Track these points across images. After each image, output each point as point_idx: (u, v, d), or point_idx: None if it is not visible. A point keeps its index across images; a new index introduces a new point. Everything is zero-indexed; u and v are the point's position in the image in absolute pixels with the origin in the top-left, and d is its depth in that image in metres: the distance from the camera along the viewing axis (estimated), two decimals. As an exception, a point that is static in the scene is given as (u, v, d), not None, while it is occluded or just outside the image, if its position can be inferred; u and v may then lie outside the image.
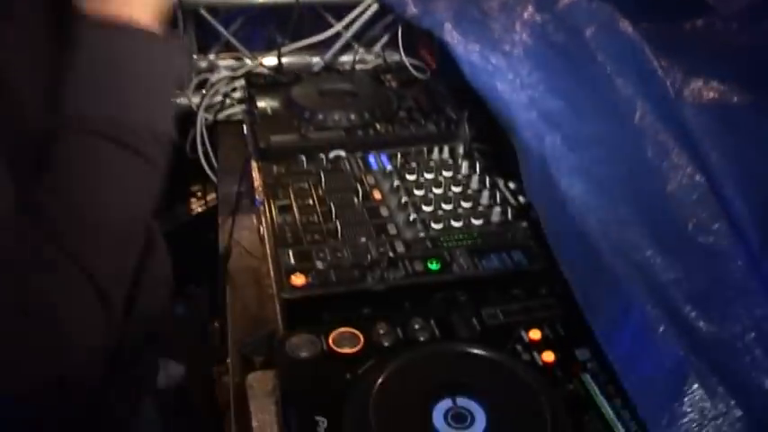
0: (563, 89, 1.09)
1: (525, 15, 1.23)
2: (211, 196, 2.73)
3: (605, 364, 1.03)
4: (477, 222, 1.31)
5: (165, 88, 0.91)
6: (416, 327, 1.10)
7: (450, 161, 1.50)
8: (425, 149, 1.53)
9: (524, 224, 1.30)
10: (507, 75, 1.17)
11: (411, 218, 1.31)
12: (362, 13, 1.94)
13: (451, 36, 1.30)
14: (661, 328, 0.76)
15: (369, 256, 1.22)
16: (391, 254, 1.23)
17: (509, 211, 1.33)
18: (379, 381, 0.97)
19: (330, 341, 1.06)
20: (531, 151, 1.07)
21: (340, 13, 2.00)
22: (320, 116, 1.64)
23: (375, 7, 1.93)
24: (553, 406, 0.95)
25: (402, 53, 1.93)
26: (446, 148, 1.52)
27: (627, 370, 0.81)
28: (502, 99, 1.16)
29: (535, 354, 1.06)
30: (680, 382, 0.75)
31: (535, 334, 1.09)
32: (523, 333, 1.10)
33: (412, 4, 1.56)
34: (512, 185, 1.42)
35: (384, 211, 1.34)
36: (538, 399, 0.96)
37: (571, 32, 1.12)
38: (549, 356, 1.06)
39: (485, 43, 1.24)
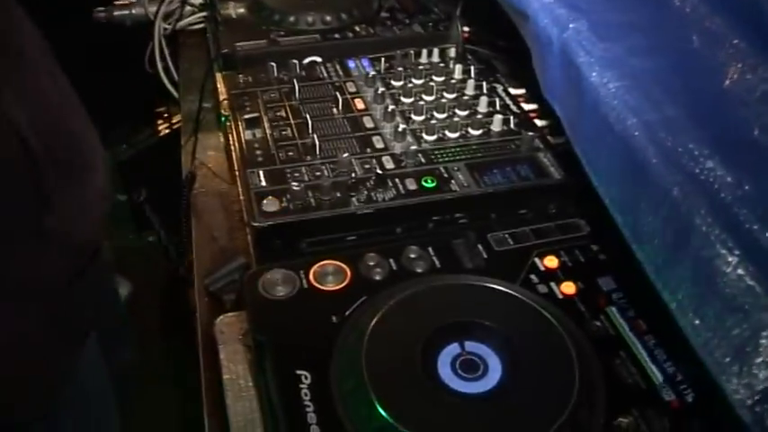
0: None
1: None
2: (178, 117, 2.54)
3: (633, 295, 0.88)
4: (475, 133, 1.14)
5: None
6: (412, 256, 0.93)
7: (442, 65, 1.31)
8: (412, 52, 1.33)
9: (530, 133, 1.12)
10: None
11: (400, 128, 1.12)
12: None
13: None
14: (730, 258, 0.60)
15: (353, 175, 1.04)
16: (379, 171, 1.05)
17: (512, 119, 1.16)
18: (372, 324, 0.81)
19: (311, 276, 0.89)
20: (551, 42, 0.88)
21: None
22: (291, 18, 1.44)
23: None
24: (579, 348, 0.80)
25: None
26: (435, 51, 1.33)
27: (687, 309, 0.65)
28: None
29: (553, 285, 0.90)
30: (754, 322, 0.59)
31: (551, 261, 0.93)
32: (537, 260, 0.93)
33: None
34: (513, 91, 1.24)
35: (368, 123, 1.16)
36: (562, 341, 0.80)
37: None
38: (568, 288, 0.90)
39: None
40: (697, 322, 0.63)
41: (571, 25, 0.84)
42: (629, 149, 0.70)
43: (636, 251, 0.74)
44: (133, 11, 1.82)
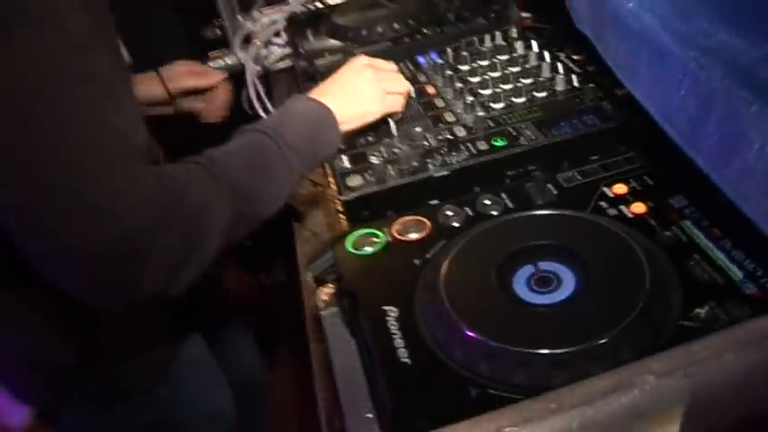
0: None
1: None
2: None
3: (707, 209, 0.91)
4: (540, 95, 1.20)
5: (325, 148, 1.05)
6: (486, 202, 0.99)
7: (504, 44, 1.38)
8: (476, 39, 1.41)
9: (592, 86, 1.18)
10: None
11: (469, 101, 1.20)
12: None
13: None
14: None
15: (427, 144, 1.12)
16: (450, 137, 1.12)
17: (573, 78, 1.21)
18: (449, 258, 0.87)
19: (394, 231, 0.97)
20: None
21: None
22: (364, 32, 1.55)
23: None
24: (649, 253, 0.84)
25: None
26: (498, 34, 1.41)
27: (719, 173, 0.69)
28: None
29: (622, 208, 0.94)
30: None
31: (620, 188, 0.97)
32: (606, 189, 0.98)
33: None
34: (574, 57, 1.30)
35: (439, 102, 1.24)
36: (631, 249, 0.84)
37: None
38: (638, 208, 0.94)
39: None
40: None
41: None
42: (648, 42, 0.75)
43: (666, 130, 0.78)
44: (228, 61, 1.98)
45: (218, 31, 2.09)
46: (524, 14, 1.46)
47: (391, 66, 1.23)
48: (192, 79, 1.36)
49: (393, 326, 0.82)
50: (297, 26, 1.76)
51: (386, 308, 0.85)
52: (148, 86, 1.40)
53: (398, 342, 0.80)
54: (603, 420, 0.60)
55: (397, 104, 1.17)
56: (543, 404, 0.61)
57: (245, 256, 2.52)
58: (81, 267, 0.78)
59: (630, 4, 0.78)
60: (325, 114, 1.06)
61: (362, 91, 1.13)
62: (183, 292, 0.87)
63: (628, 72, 0.86)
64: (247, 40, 1.99)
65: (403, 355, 0.79)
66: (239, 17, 2.04)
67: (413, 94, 1.27)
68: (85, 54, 0.77)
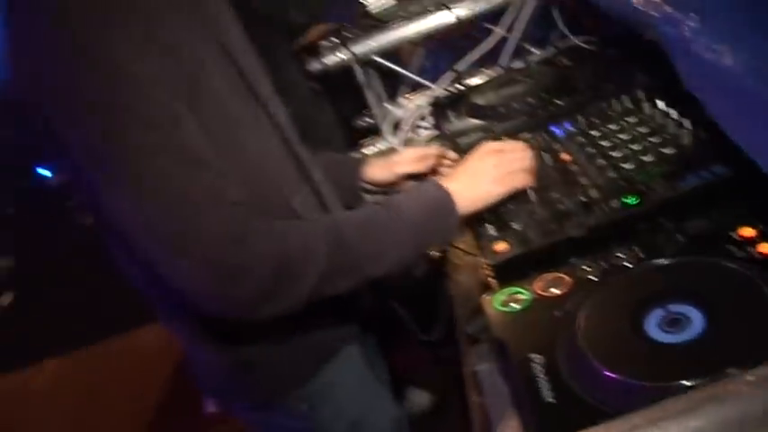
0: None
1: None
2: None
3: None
4: (668, 151, 1.28)
5: (441, 227, 1.22)
6: (620, 255, 1.09)
7: (632, 107, 1.47)
8: (605, 105, 1.51)
9: (720, 138, 1.24)
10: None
11: (601, 164, 1.30)
12: (518, 12, 1.98)
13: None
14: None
15: (564, 207, 1.23)
16: (585, 199, 1.23)
17: (701, 131, 1.29)
18: (587, 308, 0.98)
19: (538, 288, 1.08)
20: (674, 41, 1.03)
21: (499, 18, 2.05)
22: (501, 110, 1.69)
23: (531, 2, 1.96)
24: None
25: (567, 32, 1.93)
26: (625, 99, 1.50)
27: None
28: (633, 8, 1.15)
29: (750, 249, 1.01)
30: None
31: (747, 231, 1.04)
32: (733, 233, 1.05)
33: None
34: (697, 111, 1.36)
35: (573, 167, 1.35)
36: (759, 289, 0.91)
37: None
38: (766, 248, 1.00)
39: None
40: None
41: (684, 24, 0.99)
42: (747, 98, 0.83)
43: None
44: (380, 146, 2.17)
45: (369, 120, 2.29)
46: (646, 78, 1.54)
47: (517, 145, 1.34)
48: (420, 164, 1.52)
49: (539, 371, 0.93)
50: (440, 109, 1.92)
51: (532, 355, 0.96)
52: (374, 171, 1.55)
53: (544, 384, 0.91)
54: None
55: (520, 182, 1.28)
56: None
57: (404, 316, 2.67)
58: (195, 290, 1.04)
59: (730, 66, 0.87)
60: (445, 197, 1.21)
61: (484, 175, 1.26)
62: (276, 315, 1.08)
63: (736, 131, 0.94)
64: (396, 125, 2.17)
65: (548, 395, 0.89)
66: (387, 105, 2.24)
67: (548, 161, 1.38)
68: (178, 127, 1.01)
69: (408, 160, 1.53)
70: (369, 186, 1.54)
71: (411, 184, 1.53)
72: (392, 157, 1.56)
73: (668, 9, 1.05)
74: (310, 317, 1.17)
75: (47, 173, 5.97)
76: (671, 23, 1.03)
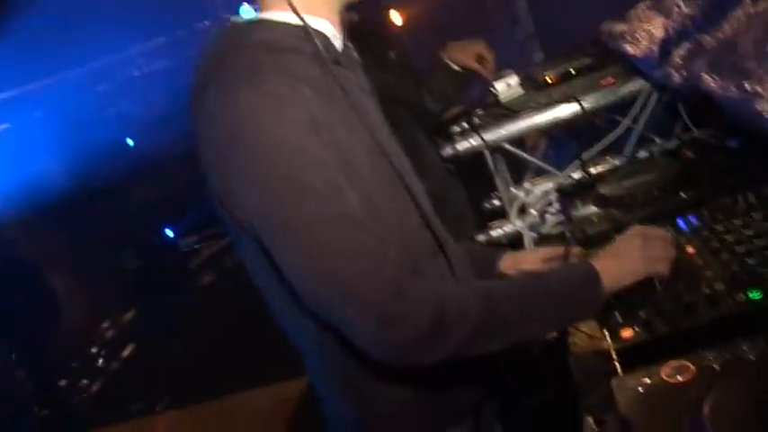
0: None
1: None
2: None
3: None
4: (793, 245, 1.34)
5: (586, 299, 1.32)
6: (745, 348, 1.16)
7: (757, 203, 1.54)
8: (730, 200, 1.58)
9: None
10: (763, 95, 1.24)
11: (724, 258, 1.38)
12: (645, 104, 2.07)
13: (709, 83, 1.40)
14: None
15: (688, 299, 1.30)
16: (709, 292, 1.30)
17: (824, 231, 1.35)
18: (712, 397, 1.05)
19: (663, 374, 1.16)
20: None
21: (629, 109, 2.14)
22: (627, 200, 1.78)
23: (655, 96, 2.05)
24: None
25: (691, 126, 2.01)
26: (751, 194, 1.57)
27: None
28: (762, 119, 1.24)
29: None
30: None
31: None
32: None
33: (675, 74, 1.68)
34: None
35: (698, 261, 1.42)
36: None
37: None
38: None
39: (740, 77, 1.32)
40: None
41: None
42: None
43: None
44: (506, 230, 2.28)
45: (496, 203, 2.41)
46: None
47: (662, 234, 1.42)
48: (546, 264, 1.64)
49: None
50: (566, 196, 2.02)
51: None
52: (502, 264, 1.68)
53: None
54: None
55: (660, 268, 1.36)
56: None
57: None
58: (362, 336, 1.18)
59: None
60: (593, 275, 1.30)
61: (631, 255, 1.35)
62: (428, 364, 1.20)
63: None
64: (522, 209, 2.28)
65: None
66: (513, 189, 2.35)
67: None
68: (343, 197, 1.19)
69: (536, 260, 1.64)
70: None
71: None
72: (520, 254, 1.68)
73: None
74: (439, 380, 1.29)
75: (171, 233, 6.35)
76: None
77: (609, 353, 1.36)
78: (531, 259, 1.65)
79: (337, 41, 1.37)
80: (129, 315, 6.20)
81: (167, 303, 5.72)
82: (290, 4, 1.26)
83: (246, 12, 1.41)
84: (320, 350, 1.36)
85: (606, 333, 1.36)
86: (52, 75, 5.55)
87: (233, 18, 1.38)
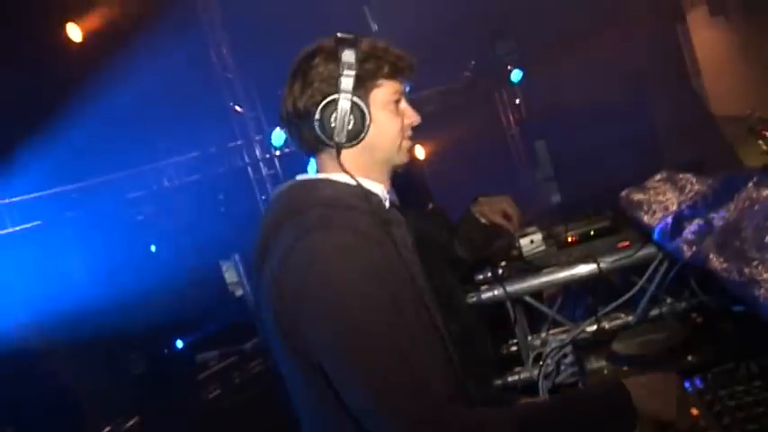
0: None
1: (772, 231, 1.48)
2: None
3: None
4: (785, 417, 1.47)
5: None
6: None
7: (758, 371, 1.67)
8: (733, 366, 1.72)
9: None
10: (760, 282, 1.41)
11: (726, 422, 1.50)
12: (658, 268, 2.24)
13: (714, 264, 1.57)
14: None
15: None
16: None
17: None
18: None
19: None
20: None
21: (642, 270, 2.31)
22: (638, 360, 1.92)
23: (668, 260, 2.22)
24: None
25: (699, 293, 2.17)
26: (753, 363, 1.70)
27: None
28: (758, 303, 1.40)
29: None
30: None
31: None
32: None
33: (686, 249, 1.85)
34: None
35: (702, 423, 1.55)
36: None
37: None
38: None
39: (741, 262, 1.49)
40: None
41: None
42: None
43: None
44: (522, 376, 2.41)
45: (514, 349, 2.55)
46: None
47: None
48: None
49: None
50: (581, 350, 2.16)
51: None
52: None
53: None
54: None
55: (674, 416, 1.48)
56: None
57: None
58: None
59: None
60: (626, 399, 1.43)
61: (667, 394, 1.48)
62: None
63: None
64: (538, 358, 2.42)
65: None
66: (531, 339, 2.50)
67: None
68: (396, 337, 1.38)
69: None
70: None
71: None
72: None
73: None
74: None
75: (181, 344, 6.43)
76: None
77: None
78: None
79: (386, 201, 1.58)
80: (132, 422, 6.20)
81: (173, 412, 5.75)
82: (345, 170, 1.47)
83: (311, 168, 1.62)
84: None
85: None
86: (87, 178, 5.81)
87: (299, 176, 1.59)
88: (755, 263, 1.46)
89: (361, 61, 1.52)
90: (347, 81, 1.50)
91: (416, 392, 1.34)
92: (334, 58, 1.51)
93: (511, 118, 8.27)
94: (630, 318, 2.36)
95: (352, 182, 1.51)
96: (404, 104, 1.62)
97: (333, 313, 1.38)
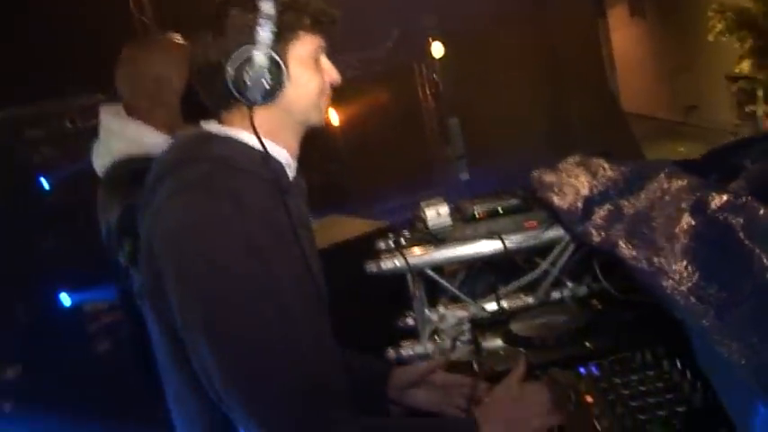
0: (716, 274, 1.27)
1: (683, 222, 1.45)
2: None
3: None
4: (680, 409, 1.45)
5: None
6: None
7: (652, 361, 1.65)
8: (629, 355, 1.70)
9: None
10: (669, 273, 1.38)
11: (619, 411, 1.47)
12: (563, 251, 2.21)
13: (624, 251, 1.54)
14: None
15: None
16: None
17: (710, 395, 1.46)
18: None
19: None
20: (695, 329, 1.24)
21: (548, 252, 2.27)
22: (536, 342, 1.88)
23: (573, 246, 2.19)
24: None
25: (602, 280, 2.14)
26: (648, 353, 1.69)
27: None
28: (666, 294, 1.37)
29: None
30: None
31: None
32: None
33: (595, 234, 1.82)
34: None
35: (595, 411, 1.51)
36: None
37: (721, 228, 1.32)
38: None
39: (651, 251, 1.46)
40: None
41: (706, 317, 1.20)
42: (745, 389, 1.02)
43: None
44: (416, 350, 2.35)
45: (410, 323, 2.49)
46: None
47: (537, 389, 1.51)
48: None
49: None
50: (478, 328, 2.11)
51: None
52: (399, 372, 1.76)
53: None
54: None
55: (541, 427, 1.46)
56: None
57: None
58: None
59: (735, 359, 1.07)
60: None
61: (510, 420, 1.46)
62: None
63: (731, 408, 1.13)
64: (434, 333, 2.36)
65: None
66: (428, 313, 2.44)
67: (573, 400, 1.55)
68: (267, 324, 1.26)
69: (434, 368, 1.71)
70: (393, 395, 1.73)
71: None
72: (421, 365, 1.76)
73: (694, 302, 1.27)
74: None
75: (67, 298, 6.19)
76: (694, 314, 1.24)
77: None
78: (413, 373, 1.73)
79: (290, 171, 1.45)
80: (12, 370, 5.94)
81: (56, 363, 5.54)
82: (254, 130, 1.34)
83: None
84: None
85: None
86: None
87: (204, 123, 1.46)
88: (665, 253, 1.43)
89: (280, 12, 1.39)
90: (265, 32, 1.37)
91: (290, 396, 1.23)
92: (252, 7, 1.39)
93: (428, 92, 8.22)
94: (531, 299, 2.33)
95: (256, 143, 1.38)
96: (325, 61, 1.51)
97: (194, 292, 1.26)
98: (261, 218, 1.30)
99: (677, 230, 1.43)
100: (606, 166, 2.07)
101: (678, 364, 1.61)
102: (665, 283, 1.37)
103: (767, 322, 1.09)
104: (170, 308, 1.28)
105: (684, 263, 1.35)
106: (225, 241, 1.24)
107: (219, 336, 1.22)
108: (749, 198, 1.33)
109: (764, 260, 1.18)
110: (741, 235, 1.25)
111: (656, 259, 1.43)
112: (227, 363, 1.22)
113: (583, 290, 2.30)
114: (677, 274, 1.36)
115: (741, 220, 1.28)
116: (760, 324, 1.10)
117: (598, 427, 1.45)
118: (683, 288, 1.31)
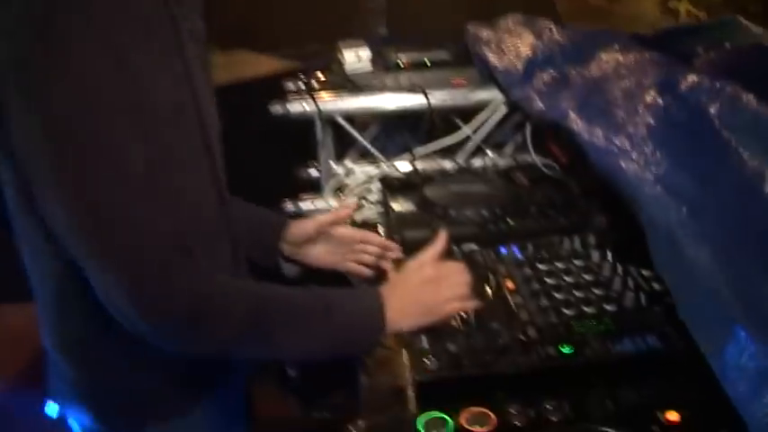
0: (688, 164, 1.10)
1: (648, 99, 1.25)
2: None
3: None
4: (609, 308, 1.31)
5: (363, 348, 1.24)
6: (549, 407, 1.09)
7: (582, 250, 1.51)
8: (557, 240, 1.54)
9: (658, 308, 1.28)
10: (632, 155, 1.19)
11: (543, 304, 1.32)
12: (490, 116, 2.01)
13: (576, 124, 1.34)
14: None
15: (500, 341, 1.23)
16: (523, 338, 1.23)
17: (642, 296, 1.32)
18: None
19: (462, 420, 1.07)
20: (658, 224, 1.07)
21: (470, 117, 2.07)
22: (452, 213, 1.69)
23: (503, 111, 1.99)
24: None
25: (532, 153, 1.96)
26: (577, 239, 1.53)
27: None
28: (627, 178, 1.18)
29: (672, 438, 1.03)
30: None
31: (673, 415, 1.07)
32: (659, 414, 1.07)
33: (537, 99, 1.61)
34: (645, 273, 1.40)
35: (516, 299, 1.35)
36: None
37: (694, 111, 1.13)
38: (687, 442, 1.03)
39: (609, 128, 1.27)
40: None
41: (673, 210, 1.03)
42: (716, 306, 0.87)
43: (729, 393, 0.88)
44: (317, 205, 2.14)
45: (314, 174, 2.27)
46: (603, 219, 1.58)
47: (456, 269, 1.29)
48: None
49: None
50: (389, 189, 1.91)
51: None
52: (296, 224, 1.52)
53: None
54: None
55: (453, 311, 1.25)
56: None
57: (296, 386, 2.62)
58: (114, 303, 1.01)
59: (705, 268, 0.90)
60: (378, 313, 1.18)
61: (418, 303, 1.23)
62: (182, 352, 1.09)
63: (698, 329, 0.97)
64: (339, 189, 2.15)
65: None
66: (335, 166, 2.22)
67: (492, 283, 1.39)
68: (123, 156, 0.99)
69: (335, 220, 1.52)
70: (288, 251, 1.52)
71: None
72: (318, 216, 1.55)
73: (662, 192, 1.08)
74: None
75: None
76: (661, 207, 1.07)
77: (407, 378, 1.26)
78: (310, 225, 1.52)
79: None
80: None
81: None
82: None
83: None
84: (60, 300, 1.19)
85: (409, 359, 1.26)
86: None
87: None
88: (625, 131, 1.24)
89: None
90: None
91: (137, 238, 1.00)
92: None
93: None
94: (448, 164, 2.13)
95: None
96: None
97: (40, 110, 0.96)
98: (143, 29, 1.01)
99: (640, 108, 1.23)
100: (554, 28, 1.85)
101: (609, 257, 1.47)
102: (625, 165, 1.18)
103: (753, 236, 0.92)
104: (10, 134, 0.99)
105: (651, 146, 1.16)
106: (88, 53, 0.95)
107: (65, 163, 0.95)
108: (725, 81, 1.14)
109: (743, 154, 1.00)
110: (717, 123, 1.07)
111: (614, 137, 1.24)
112: (72, 200, 0.97)
113: (508, 161, 2.12)
114: (642, 157, 1.16)
115: (717, 106, 1.09)
116: (740, 237, 0.94)
117: (519, 317, 1.29)
118: (649, 175, 1.13)
